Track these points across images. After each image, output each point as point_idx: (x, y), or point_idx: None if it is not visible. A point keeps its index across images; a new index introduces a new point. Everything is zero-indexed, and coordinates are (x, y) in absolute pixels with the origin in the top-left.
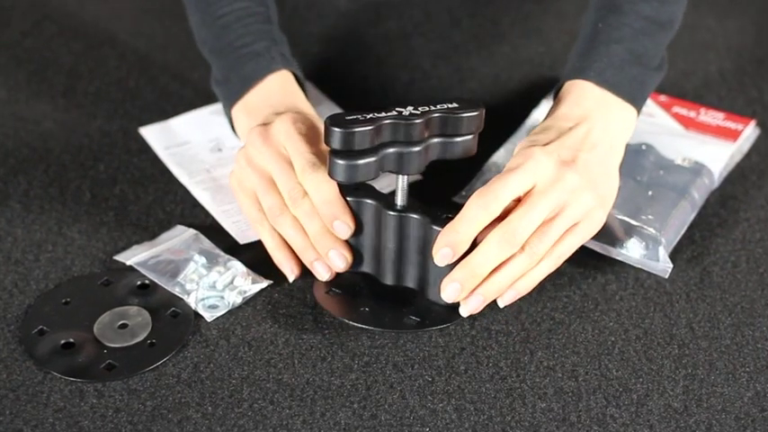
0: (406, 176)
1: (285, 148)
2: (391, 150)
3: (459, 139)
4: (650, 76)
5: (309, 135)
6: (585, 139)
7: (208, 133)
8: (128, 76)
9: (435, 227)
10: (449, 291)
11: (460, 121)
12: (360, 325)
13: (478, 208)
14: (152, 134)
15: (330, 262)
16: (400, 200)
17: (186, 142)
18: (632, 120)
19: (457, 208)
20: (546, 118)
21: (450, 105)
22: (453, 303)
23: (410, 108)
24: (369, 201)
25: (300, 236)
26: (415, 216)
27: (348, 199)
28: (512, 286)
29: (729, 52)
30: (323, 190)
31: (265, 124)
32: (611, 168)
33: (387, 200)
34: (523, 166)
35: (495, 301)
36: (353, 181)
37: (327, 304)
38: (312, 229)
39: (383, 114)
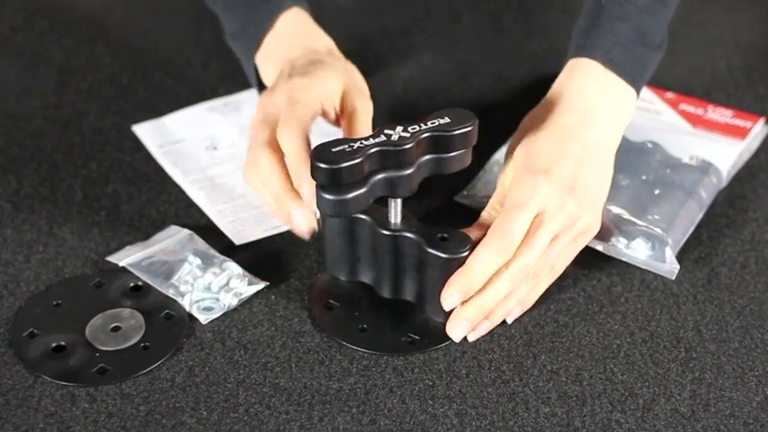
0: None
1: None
2: (381, 176)
3: (452, 154)
4: (651, 56)
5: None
6: (586, 147)
7: (203, 131)
8: (121, 73)
9: (430, 250)
10: (459, 330)
11: (453, 138)
12: (357, 348)
13: (497, 251)
14: (145, 132)
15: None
16: (394, 219)
17: (180, 140)
18: (632, 102)
19: (455, 229)
20: (549, 103)
21: (441, 121)
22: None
23: (399, 129)
24: (363, 216)
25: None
26: (409, 235)
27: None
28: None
29: (738, 48)
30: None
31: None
32: (607, 168)
33: (381, 217)
34: (533, 202)
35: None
36: (343, 215)
37: (325, 322)
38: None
39: (371, 141)
